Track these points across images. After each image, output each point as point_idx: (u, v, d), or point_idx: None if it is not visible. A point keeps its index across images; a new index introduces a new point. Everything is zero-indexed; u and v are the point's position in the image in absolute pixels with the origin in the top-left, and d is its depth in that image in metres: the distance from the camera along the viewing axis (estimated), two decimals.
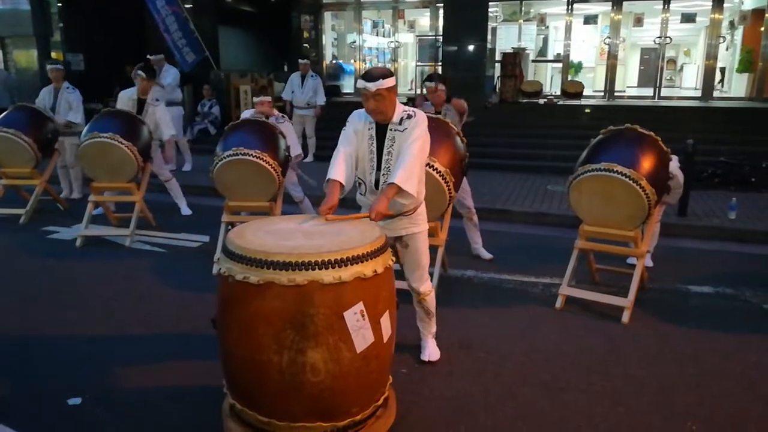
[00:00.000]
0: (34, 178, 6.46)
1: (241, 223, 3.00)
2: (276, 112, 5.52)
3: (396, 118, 2.96)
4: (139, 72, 6.07)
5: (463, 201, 5.03)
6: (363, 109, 3.02)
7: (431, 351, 3.42)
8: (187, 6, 11.07)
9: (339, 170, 2.93)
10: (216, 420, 2.70)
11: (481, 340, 3.70)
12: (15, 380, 3.21)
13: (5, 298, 4.35)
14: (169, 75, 8.60)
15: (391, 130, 2.97)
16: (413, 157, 2.88)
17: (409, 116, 2.96)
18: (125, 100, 6.14)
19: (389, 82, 2.86)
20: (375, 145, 3.01)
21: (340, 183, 2.92)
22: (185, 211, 6.79)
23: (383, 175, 3.01)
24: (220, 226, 5.01)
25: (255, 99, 5.42)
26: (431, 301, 3.34)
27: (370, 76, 2.87)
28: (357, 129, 3.04)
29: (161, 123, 6.09)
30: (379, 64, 15.80)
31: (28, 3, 12.10)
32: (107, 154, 5.42)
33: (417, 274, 3.22)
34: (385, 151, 3.00)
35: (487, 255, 5.28)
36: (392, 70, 14.76)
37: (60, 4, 12.27)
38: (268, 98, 5.42)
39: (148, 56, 8.49)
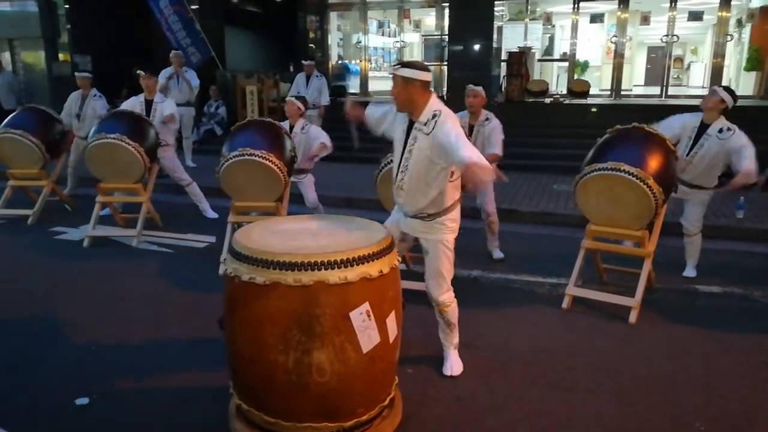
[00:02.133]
0: (42, 179, 6.50)
1: (247, 223, 3.00)
2: (301, 120, 5.48)
3: (423, 117, 2.88)
4: (140, 72, 6.10)
5: (485, 206, 5.01)
6: None
7: (453, 364, 3.28)
8: (194, 7, 11.10)
9: (371, 108, 3.34)
10: (222, 420, 2.71)
11: (488, 340, 3.69)
12: (22, 380, 3.23)
13: (13, 298, 4.38)
14: (193, 74, 8.68)
15: (416, 128, 2.92)
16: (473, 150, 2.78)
17: (434, 116, 2.85)
18: (134, 104, 6.17)
19: (408, 72, 2.84)
20: (403, 141, 3.00)
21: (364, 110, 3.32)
22: (210, 214, 6.55)
23: (401, 172, 3.00)
24: (226, 227, 5.02)
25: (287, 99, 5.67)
26: (452, 312, 3.21)
27: (399, 62, 3.01)
28: (398, 117, 3.08)
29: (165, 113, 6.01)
30: (385, 64, 15.79)
31: (36, 5, 12.18)
32: (114, 155, 5.44)
33: (434, 282, 3.13)
34: (407, 148, 2.97)
35: (498, 255, 5.26)
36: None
37: (67, 6, 12.35)
38: (291, 100, 5.52)
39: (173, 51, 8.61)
